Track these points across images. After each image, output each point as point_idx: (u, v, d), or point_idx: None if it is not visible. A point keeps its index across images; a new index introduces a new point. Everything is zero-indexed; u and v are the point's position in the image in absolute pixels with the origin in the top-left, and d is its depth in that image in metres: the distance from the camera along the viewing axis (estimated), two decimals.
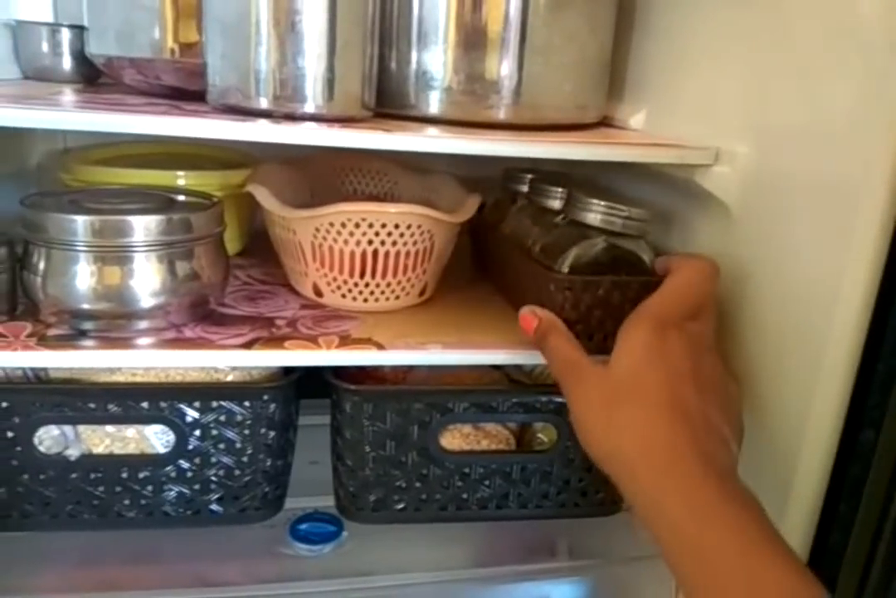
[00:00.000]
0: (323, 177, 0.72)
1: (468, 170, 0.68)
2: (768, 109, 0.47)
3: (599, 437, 0.42)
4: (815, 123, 0.43)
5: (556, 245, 0.52)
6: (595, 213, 0.49)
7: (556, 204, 0.56)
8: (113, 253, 0.48)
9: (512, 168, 0.65)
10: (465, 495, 0.57)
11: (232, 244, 0.61)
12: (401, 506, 0.57)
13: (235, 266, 0.65)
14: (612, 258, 0.50)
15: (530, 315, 0.49)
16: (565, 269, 0.50)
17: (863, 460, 0.41)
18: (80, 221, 0.47)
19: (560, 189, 0.56)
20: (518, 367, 0.62)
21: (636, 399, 0.41)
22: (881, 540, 0.42)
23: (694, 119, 0.54)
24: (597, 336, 0.50)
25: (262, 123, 0.46)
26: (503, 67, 0.53)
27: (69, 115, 0.44)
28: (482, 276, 0.67)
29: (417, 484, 0.56)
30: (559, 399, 0.56)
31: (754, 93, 0.48)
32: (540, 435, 0.59)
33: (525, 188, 0.62)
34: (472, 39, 0.52)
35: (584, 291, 0.49)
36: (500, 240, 0.61)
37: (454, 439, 0.57)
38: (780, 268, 0.45)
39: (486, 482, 0.57)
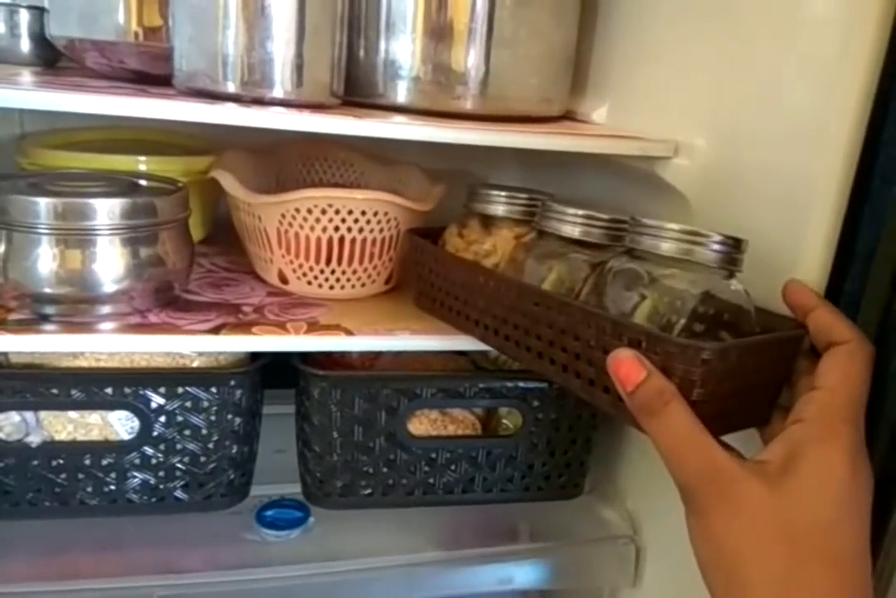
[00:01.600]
0: (288, 166, 0.72)
1: (433, 163, 0.68)
2: (726, 104, 0.48)
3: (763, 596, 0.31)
4: (770, 117, 0.45)
5: (615, 288, 0.40)
6: (672, 242, 0.38)
7: (573, 231, 0.45)
8: (76, 236, 0.48)
9: (478, 185, 0.53)
10: (431, 480, 0.58)
11: (195, 231, 0.61)
12: (368, 491, 0.58)
13: (198, 254, 0.64)
14: (704, 305, 0.38)
15: (634, 362, 0.35)
16: (676, 332, 0.37)
17: None
18: (43, 204, 0.47)
19: (578, 211, 0.45)
20: (483, 353, 0.63)
21: (825, 561, 0.31)
22: None
23: (654, 113, 0.55)
24: (719, 418, 0.36)
25: (230, 106, 0.46)
26: (470, 58, 0.54)
27: (30, 94, 0.43)
28: (451, 323, 0.52)
29: (384, 469, 0.57)
30: (524, 385, 0.57)
31: (713, 88, 0.49)
32: (505, 421, 0.60)
33: (500, 210, 0.51)
34: (440, 30, 0.53)
35: (715, 360, 0.35)
36: (513, 283, 0.46)
37: (421, 424, 0.57)
38: None
39: (453, 467, 0.58)
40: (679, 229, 0.38)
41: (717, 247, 0.38)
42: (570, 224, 0.45)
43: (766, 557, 0.31)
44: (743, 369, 0.37)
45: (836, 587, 0.31)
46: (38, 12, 0.65)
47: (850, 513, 0.32)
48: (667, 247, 0.38)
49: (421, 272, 0.54)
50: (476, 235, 0.52)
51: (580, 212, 0.45)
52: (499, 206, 0.51)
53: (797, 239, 0.42)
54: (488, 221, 0.52)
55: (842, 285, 0.41)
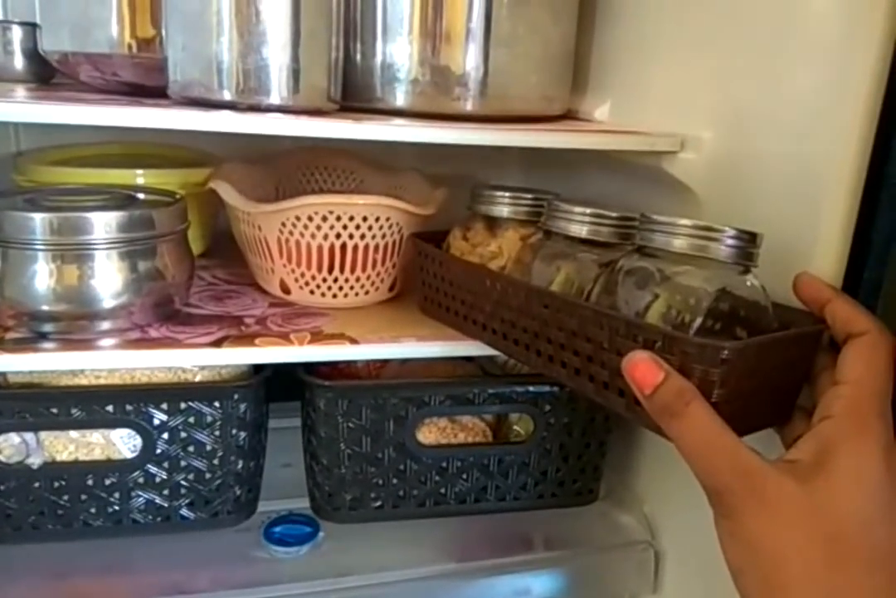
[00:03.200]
0: (288, 176, 0.71)
1: (434, 169, 0.68)
2: (731, 94, 0.47)
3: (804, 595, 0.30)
4: (778, 108, 0.44)
5: (627, 288, 0.39)
6: (684, 238, 0.37)
7: (580, 230, 0.43)
8: (73, 251, 0.47)
9: (482, 186, 0.52)
10: (443, 490, 0.57)
11: (194, 245, 0.60)
12: (378, 504, 0.56)
13: (199, 267, 0.63)
14: (720, 302, 0.37)
15: (651, 364, 0.34)
16: (692, 331, 0.36)
17: None
18: (38, 219, 0.46)
19: (585, 209, 0.43)
20: (491, 359, 0.62)
21: (866, 560, 0.30)
22: None
23: (658, 108, 0.54)
24: (739, 418, 0.35)
25: (227, 113, 0.45)
26: (468, 59, 0.53)
27: (26, 107, 0.43)
28: (441, 321, 0.52)
29: (394, 481, 0.56)
30: (535, 389, 0.56)
31: (716, 79, 0.48)
32: (516, 427, 0.59)
33: (504, 211, 0.50)
34: (437, 31, 0.52)
35: (734, 360, 0.34)
36: (521, 285, 0.44)
37: (430, 433, 0.56)
38: None
39: (464, 476, 0.57)
40: (692, 225, 0.37)
41: (731, 242, 0.37)
42: (578, 223, 0.44)
43: (805, 558, 0.30)
44: (763, 368, 0.36)
45: (878, 585, 0.30)
46: (31, 28, 0.65)
47: (888, 509, 0.31)
48: (679, 244, 0.37)
49: (425, 277, 0.53)
50: (481, 237, 0.51)
51: (587, 210, 0.44)
52: (503, 207, 0.50)
53: (811, 229, 0.41)
54: (493, 223, 0.51)
55: (860, 274, 0.39)
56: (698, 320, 0.37)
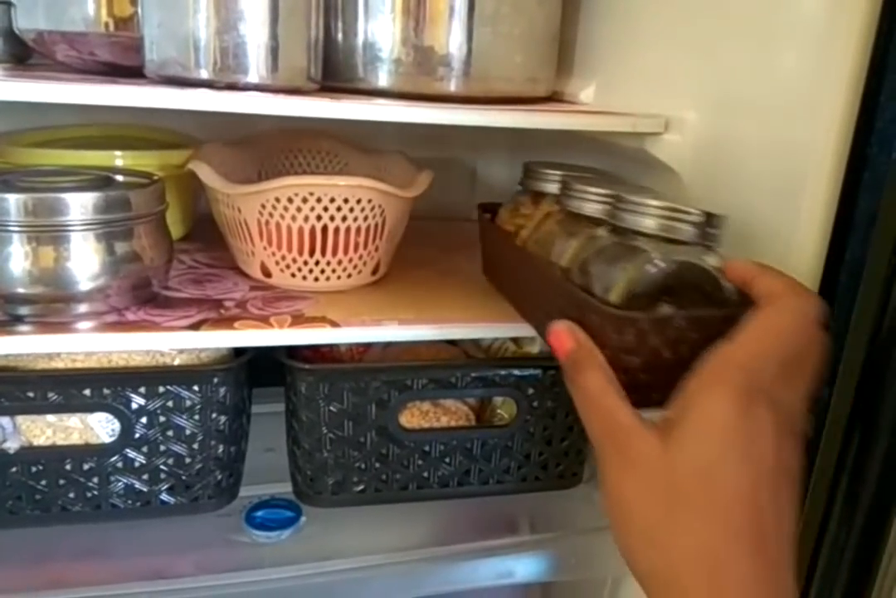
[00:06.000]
0: (270, 158, 0.70)
1: (421, 152, 0.67)
2: (716, 76, 0.47)
3: (644, 542, 0.31)
4: (761, 90, 0.43)
5: (598, 262, 0.41)
6: (650, 217, 0.38)
7: (594, 208, 0.44)
8: (48, 233, 0.46)
9: (534, 163, 0.52)
10: (425, 474, 0.57)
11: (175, 228, 0.59)
12: (360, 488, 0.56)
13: (179, 250, 0.62)
14: (675, 279, 0.38)
15: (567, 333, 0.37)
16: (614, 297, 0.38)
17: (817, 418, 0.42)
18: (13, 200, 0.45)
19: (597, 190, 0.44)
20: (475, 342, 0.61)
21: (702, 506, 0.30)
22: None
23: (643, 90, 0.54)
24: (654, 390, 0.36)
25: (204, 91, 0.44)
26: (451, 38, 0.52)
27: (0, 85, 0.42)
28: (497, 290, 0.56)
29: (377, 465, 0.55)
30: (518, 373, 0.55)
31: (701, 61, 0.48)
32: (500, 411, 0.59)
33: (551, 187, 0.50)
34: (420, 9, 0.51)
35: (649, 331, 0.36)
36: (520, 253, 0.48)
37: (413, 416, 0.56)
38: (732, 235, 0.45)
39: (447, 460, 0.57)
40: (658, 205, 0.38)
41: (694, 221, 0.38)
42: (588, 202, 0.44)
43: (648, 504, 0.31)
44: (686, 341, 0.36)
45: (714, 531, 0.30)
46: (6, 7, 0.63)
47: (737, 457, 0.31)
48: (647, 223, 0.39)
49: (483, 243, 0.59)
50: (527, 210, 0.52)
51: (602, 191, 0.44)
52: (539, 182, 0.51)
53: (794, 210, 0.41)
54: (538, 198, 0.51)
55: (842, 255, 0.39)
56: (648, 293, 0.37)
